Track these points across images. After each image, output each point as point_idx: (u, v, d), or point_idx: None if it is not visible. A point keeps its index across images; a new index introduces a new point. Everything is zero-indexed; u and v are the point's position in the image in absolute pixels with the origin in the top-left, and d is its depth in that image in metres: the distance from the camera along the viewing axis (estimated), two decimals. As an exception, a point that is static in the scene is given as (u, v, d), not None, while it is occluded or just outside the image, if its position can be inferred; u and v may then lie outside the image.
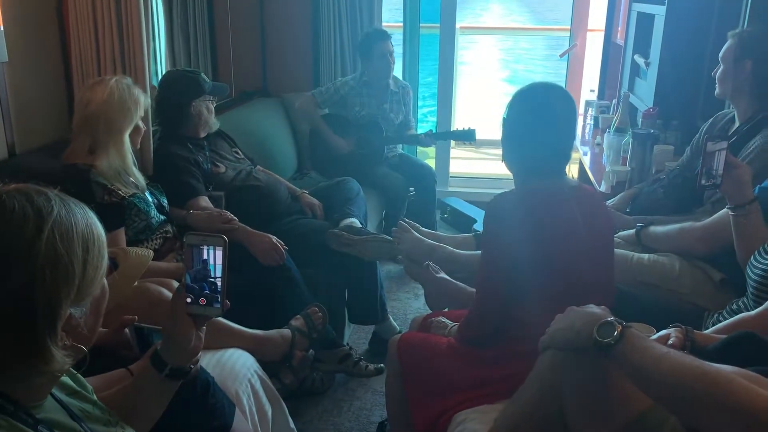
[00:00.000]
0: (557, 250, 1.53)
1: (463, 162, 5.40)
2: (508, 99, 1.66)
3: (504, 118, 1.66)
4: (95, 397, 1.11)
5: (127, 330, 1.53)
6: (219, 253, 1.15)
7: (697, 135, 2.52)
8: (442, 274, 2.05)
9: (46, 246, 0.86)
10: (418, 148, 4.33)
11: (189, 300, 1.16)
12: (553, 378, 1.26)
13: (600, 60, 4.36)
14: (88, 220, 0.94)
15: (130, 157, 2.15)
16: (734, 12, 2.60)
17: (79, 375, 1.10)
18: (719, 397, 0.93)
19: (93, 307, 0.95)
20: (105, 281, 0.97)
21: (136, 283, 1.74)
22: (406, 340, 1.86)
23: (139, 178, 2.20)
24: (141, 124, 2.22)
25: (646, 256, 2.08)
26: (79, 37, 2.36)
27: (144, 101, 2.18)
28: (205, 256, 1.15)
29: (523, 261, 1.51)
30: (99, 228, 0.95)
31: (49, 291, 0.87)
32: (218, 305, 1.17)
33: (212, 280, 1.16)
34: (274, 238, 2.33)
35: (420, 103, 4.60)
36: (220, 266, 1.16)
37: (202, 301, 1.17)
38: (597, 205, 1.66)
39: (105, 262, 0.95)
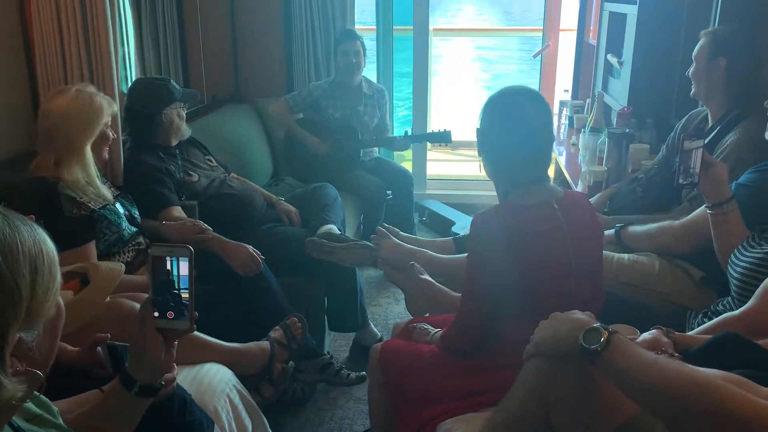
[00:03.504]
0: (542, 265, 1.50)
1: (440, 164, 5.39)
2: (481, 107, 1.61)
3: (478, 129, 1.61)
4: (60, 420, 1.06)
5: (99, 348, 1.48)
6: (185, 264, 1.12)
7: (672, 133, 2.53)
8: (426, 276, 2.02)
9: None
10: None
11: (156, 314, 1.13)
12: (539, 385, 1.24)
13: (573, 60, 4.38)
14: (35, 237, 0.87)
15: (93, 170, 2.07)
16: (705, 10, 2.62)
17: (42, 396, 1.05)
18: (709, 404, 0.92)
19: (47, 329, 0.89)
20: (60, 300, 0.91)
21: (108, 298, 1.70)
22: (388, 348, 1.84)
23: (105, 192, 2.11)
24: (110, 132, 2.16)
25: (626, 256, 2.08)
26: (44, 44, 2.29)
27: (109, 108, 2.12)
28: (168, 267, 1.12)
29: (508, 278, 1.48)
30: (49, 245, 0.89)
31: None
32: (186, 318, 1.13)
33: (176, 291, 1.13)
34: (251, 248, 2.29)
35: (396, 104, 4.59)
36: (186, 277, 1.12)
37: (170, 314, 1.14)
38: (585, 213, 1.61)
39: (57, 282, 0.89)
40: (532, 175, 1.57)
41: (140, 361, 1.14)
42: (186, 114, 2.63)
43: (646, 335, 1.40)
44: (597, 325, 1.11)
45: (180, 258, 1.11)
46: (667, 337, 1.37)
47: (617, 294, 1.90)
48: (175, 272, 1.12)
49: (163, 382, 1.19)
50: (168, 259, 1.12)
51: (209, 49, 3.82)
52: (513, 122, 1.55)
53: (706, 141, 2.04)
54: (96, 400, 1.27)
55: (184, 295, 1.12)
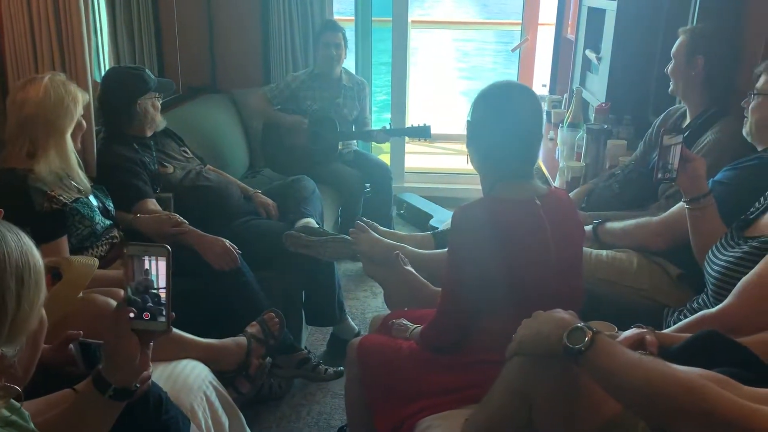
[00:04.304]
0: (524, 261, 1.49)
1: (418, 157, 5.38)
2: (472, 99, 1.60)
3: (468, 121, 1.61)
4: (32, 425, 1.02)
5: (71, 346, 1.44)
6: (162, 264, 1.09)
7: (650, 130, 2.55)
8: (410, 267, 2.01)
9: None
10: (373, 144, 4.28)
11: (132, 315, 1.10)
12: (521, 384, 1.23)
13: (551, 54, 4.38)
14: (23, 247, 0.84)
15: (74, 158, 2.04)
16: (683, 7, 2.63)
17: (12, 401, 1.01)
18: (693, 405, 0.92)
19: (29, 343, 0.86)
20: (43, 312, 0.88)
21: (81, 294, 1.65)
22: (366, 343, 1.82)
23: (84, 180, 2.09)
24: (83, 121, 2.11)
25: (604, 252, 2.08)
26: (13, 32, 2.21)
27: (83, 97, 2.07)
28: (145, 267, 1.09)
29: (489, 273, 1.48)
30: (36, 256, 0.85)
31: None
32: (164, 319, 1.11)
33: (153, 292, 1.10)
34: (227, 242, 2.26)
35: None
36: (164, 278, 1.10)
37: (146, 315, 1.11)
38: (567, 212, 1.62)
39: (42, 294, 0.86)
40: (518, 171, 1.57)
41: (114, 364, 1.11)
42: (161, 104, 2.57)
43: (627, 333, 1.40)
44: (581, 324, 1.10)
45: (157, 258, 1.08)
46: (652, 333, 1.37)
47: (595, 290, 1.90)
48: (152, 272, 1.09)
49: (138, 385, 1.15)
50: (144, 259, 1.09)
51: (185, 37, 3.75)
52: (504, 117, 1.54)
53: (684, 136, 2.05)
54: (67, 401, 1.24)
55: (161, 295, 1.10)
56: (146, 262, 1.09)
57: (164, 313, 1.11)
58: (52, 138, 1.97)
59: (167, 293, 1.10)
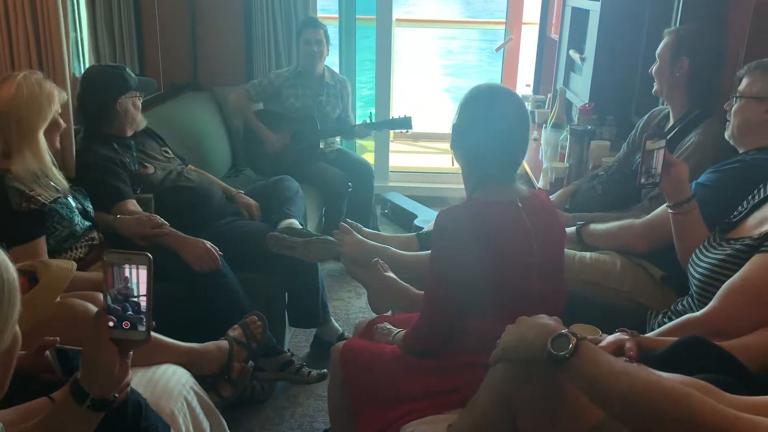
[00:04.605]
0: (507, 263, 1.49)
1: (402, 156, 5.37)
2: (459, 102, 1.59)
3: (454, 124, 1.60)
4: None
5: (48, 352, 1.41)
6: (143, 272, 1.07)
7: (633, 131, 2.55)
8: (390, 273, 2.00)
9: None
10: (357, 142, 4.26)
11: (111, 324, 1.08)
12: (505, 390, 1.23)
13: (535, 54, 4.39)
14: None
15: (48, 158, 2.00)
16: (667, 9, 2.64)
17: None
18: (676, 413, 0.92)
19: (2, 362, 0.83)
20: (17, 329, 0.85)
21: (58, 298, 1.62)
22: (350, 348, 1.80)
23: (61, 179, 2.05)
24: (60, 120, 2.07)
25: (588, 254, 2.09)
26: (-11, 29, 2.17)
27: (59, 95, 2.03)
28: (125, 275, 1.07)
29: (472, 276, 1.47)
30: (10, 271, 0.83)
31: None
32: (143, 328, 1.09)
33: (135, 300, 1.08)
34: (208, 243, 2.23)
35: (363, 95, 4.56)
36: (145, 286, 1.07)
37: (126, 324, 1.09)
38: (549, 214, 1.61)
39: (16, 311, 0.83)
40: (502, 175, 1.57)
41: (93, 373, 1.08)
42: (141, 103, 2.53)
43: (610, 338, 1.39)
44: (565, 331, 1.10)
45: (138, 266, 1.06)
46: (631, 340, 1.37)
47: (579, 292, 1.90)
48: (132, 281, 1.07)
49: (117, 395, 1.13)
50: (125, 267, 1.06)
51: (166, 35, 3.70)
52: (491, 122, 1.53)
53: (667, 138, 2.06)
54: (44, 410, 1.21)
55: (142, 303, 1.08)
56: (126, 270, 1.07)
57: (144, 321, 1.09)
58: (24, 137, 1.93)
59: (148, 301, 1.08)
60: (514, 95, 1.60)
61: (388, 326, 1.82)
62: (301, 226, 2.52)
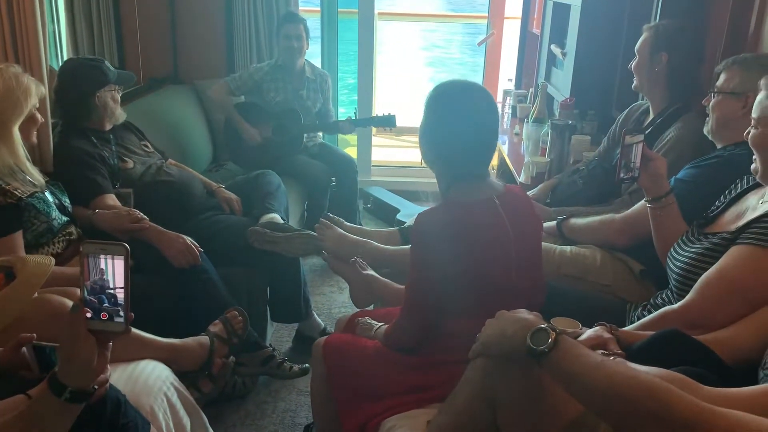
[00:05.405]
0: (487, 260, 1.49)
1: (385, 150, 5.37)
2: (425, 100, 1.56)
3: (421, 125, 1.57)
4: None
5: (24, 349, 1.39)
6: (120, 263, 1.06)
7: (613, 125, 2.57)
8: (369, 271, 2.00)
9: None
10: (340, 136, 4.25)
11: (89, 315, 1.07)
12: (485, 385, 1.23)
13: (517, 49, 4.40)
14: None
15: (22, 152, 1.98)
16: (646, 4, 2.66)
17: None
18: (654, 407, 0.92)
19: None
20: None
21: (36, 294, 1.60)
22: (332, 342, 1.80)
23: (36, 175, 2.02)
24: (37, 114, 2.04)
25: (568, 248, 2.10)
26: (-37, 20, 2.13)
27: (37, 90, 2.00)
28: (102, 266, 1.06)
29: (452, 277, 1.47)
30: None
31: None
32: (121, 320, 1.08)
33: (111, 291, 1.07)
34: (188, 239, 2.20)
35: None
36: (122, 277, 1.07)
37: (104, 315, 1.08)
38: (524, 208, 1.62)
39: None
40: (474, 171, 1.55)
41: (71, 366, 1.07)
42: (121, 96, 2.50)
43: (589, 332, 1.40)
44: (544, 325, 1.10)
45: (115, 256, 1.05)
46: (610, 334, 1.38)
47: (559, 286, 1.92)
48: (108, 272, 1.06)
49: (96, 387, 1.12)
50: (101, 258, 1.06)
51: (146, 27, 3.66)
52: (458, 118, 1.51)
53: (646, 133, 2.07)
54: (21, 407, 1.20)
55: (119, 295, 1.07)
56: (102, 261, 1.07)
57: (122, 313, 1.08)
58: None
59: (125, 293, 1.08)
60: (479, 88, 1.57)
61: (369, 321, 1.82)
62: (282, 221, 2.51)
